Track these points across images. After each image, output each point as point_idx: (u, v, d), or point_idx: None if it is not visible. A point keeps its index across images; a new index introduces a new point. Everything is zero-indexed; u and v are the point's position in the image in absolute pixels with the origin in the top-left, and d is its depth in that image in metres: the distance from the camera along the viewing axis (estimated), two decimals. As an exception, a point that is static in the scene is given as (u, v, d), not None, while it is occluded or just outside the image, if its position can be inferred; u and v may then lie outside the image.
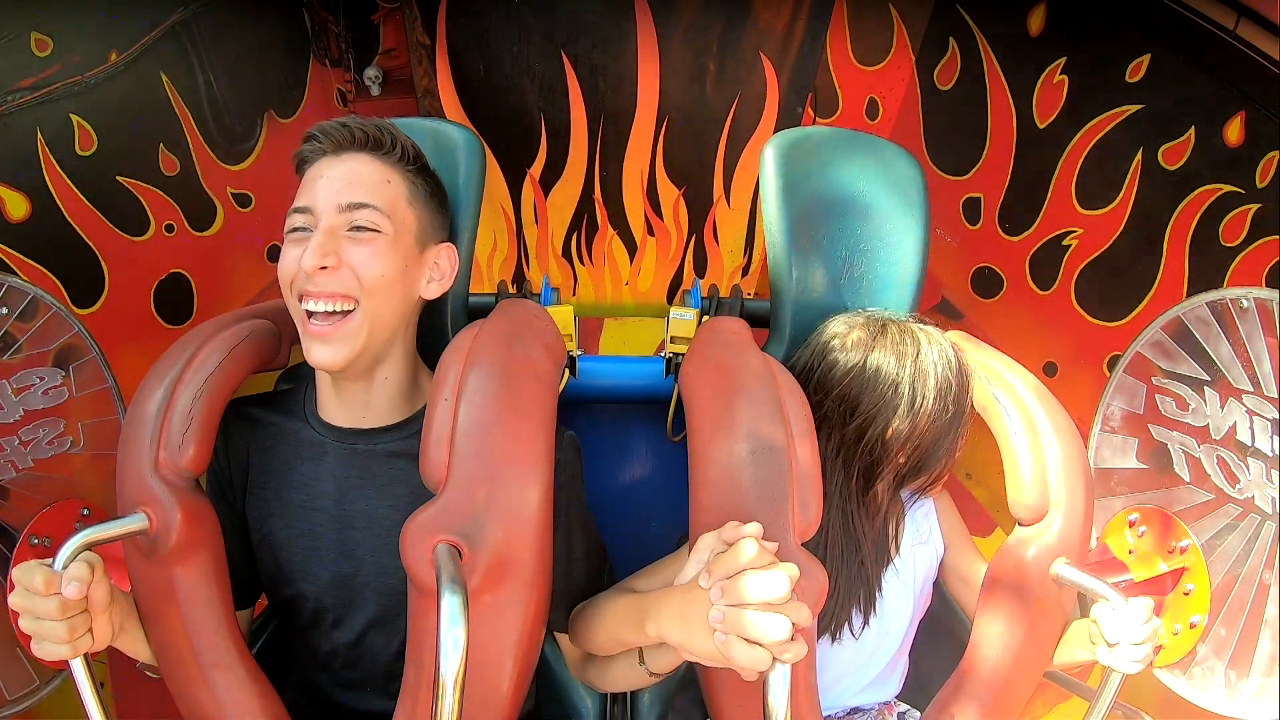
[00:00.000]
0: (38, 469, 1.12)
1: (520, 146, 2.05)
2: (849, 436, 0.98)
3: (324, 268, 0.85)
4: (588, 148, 2.07)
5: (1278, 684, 1.03)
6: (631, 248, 2.24)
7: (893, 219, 1.16)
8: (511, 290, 1.29)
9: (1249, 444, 1.09)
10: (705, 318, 1.24)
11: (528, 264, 2.25)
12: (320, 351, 0.87)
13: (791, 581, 0.64)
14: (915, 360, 0.96)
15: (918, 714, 1.10)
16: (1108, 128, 1.53)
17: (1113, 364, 1.26)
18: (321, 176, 0.90)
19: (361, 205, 0.88)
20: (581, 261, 2.26)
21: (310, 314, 0.87)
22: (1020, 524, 0.98)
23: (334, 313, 0.87)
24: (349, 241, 0.87)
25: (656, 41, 1.90)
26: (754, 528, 0.70)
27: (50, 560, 0.74)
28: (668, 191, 2.16)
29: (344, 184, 0.89)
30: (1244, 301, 1.10)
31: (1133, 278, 1.51)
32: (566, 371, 1.23)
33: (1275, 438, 1.06)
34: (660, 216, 2.20)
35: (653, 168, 2.12)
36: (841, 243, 1.14)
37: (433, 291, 0.97)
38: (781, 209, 1.12)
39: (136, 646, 0.89)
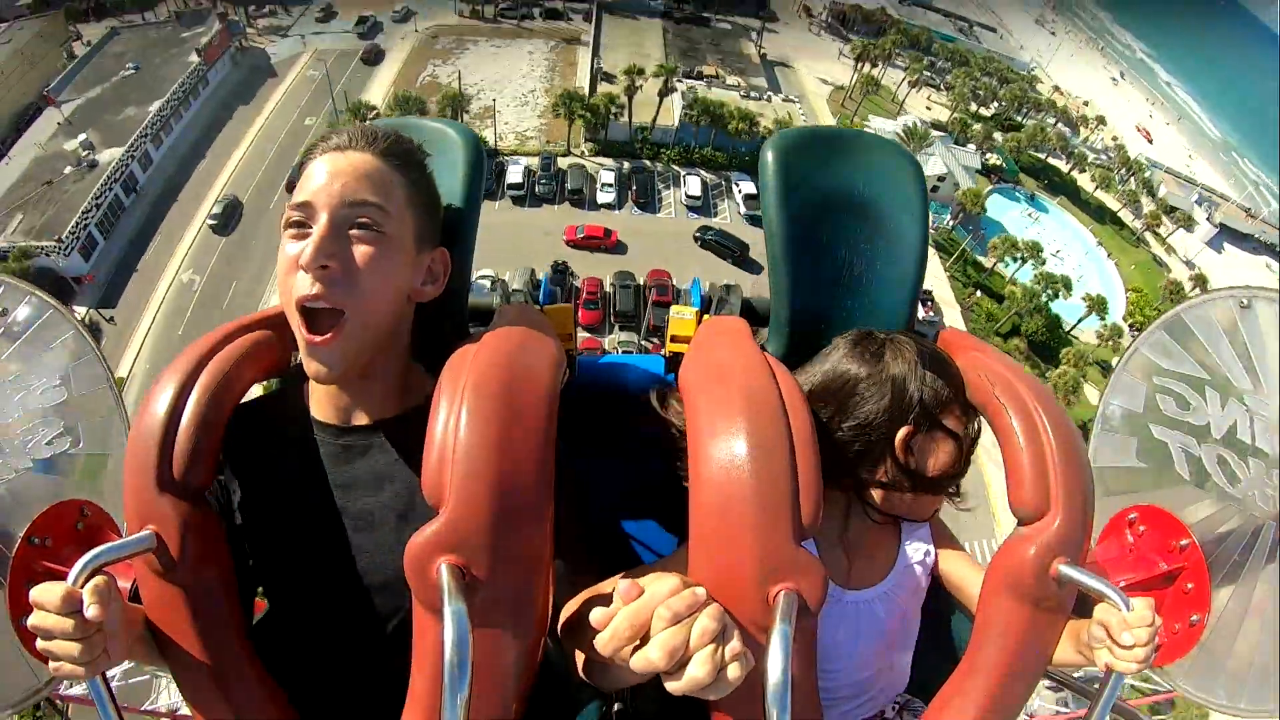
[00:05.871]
0: (38, 469, 1.12)
1: None
2: (851, 443, 0.99)
3: (324, 267, 0.84)
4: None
5: (1278, 684, 1.03)
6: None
7: (893, 218, 1.15)
8: (501, 279, 1.29)
9: (1249, 444, 1.09)
10: (705, 316, 1.24)
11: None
12: (317, 368, 0.87)
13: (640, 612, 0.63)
14: (914, 366, 0.97)
15: (921, 703, 1.10)
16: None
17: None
18: (324, 171, 0.88)
19: (365, 203, 0.87)
20: None
21: (307, 312, 0.86)
22: (1020, 524, 0.98)
23: (330, 309, 0.86)
24: (351, 241, 0.86)
25: None
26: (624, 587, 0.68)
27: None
28: None
29: (347, 180, 0.87)
30: (1244, 301, 1.10)
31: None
32: (566, 371, 1.23)
33: (1275, 438, 1.06)
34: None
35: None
36: (841, 242, 1.14)
37: (426, 294, 0.96)
38: (781, 208, 1.12)
39: (151, 657, 0.89)
